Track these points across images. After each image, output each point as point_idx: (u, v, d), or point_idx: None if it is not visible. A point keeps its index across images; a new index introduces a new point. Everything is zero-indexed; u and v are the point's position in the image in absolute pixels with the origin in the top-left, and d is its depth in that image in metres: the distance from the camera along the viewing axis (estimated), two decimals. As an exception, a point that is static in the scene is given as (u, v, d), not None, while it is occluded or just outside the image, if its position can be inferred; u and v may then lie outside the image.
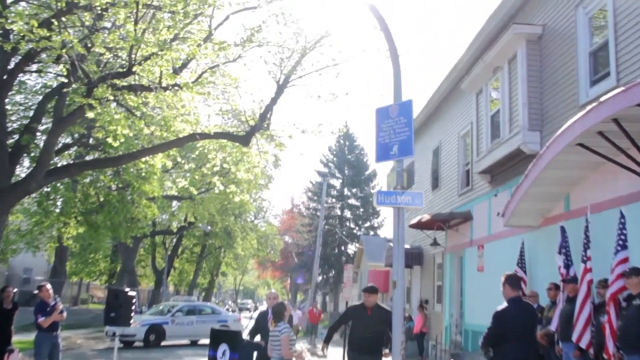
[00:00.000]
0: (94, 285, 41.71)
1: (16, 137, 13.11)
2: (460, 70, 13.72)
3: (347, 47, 27.78)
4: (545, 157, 7.40)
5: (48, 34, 8.75)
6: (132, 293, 9.29)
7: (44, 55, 11.34)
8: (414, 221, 14.75)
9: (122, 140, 11.35)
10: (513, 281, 5.55)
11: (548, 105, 9.48)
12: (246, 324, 18.51)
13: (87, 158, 16.45)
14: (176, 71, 10.55)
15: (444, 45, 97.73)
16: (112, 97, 10.57)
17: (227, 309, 34.75)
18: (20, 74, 12.82)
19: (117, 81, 10.18)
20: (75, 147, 16.47)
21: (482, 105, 12.02)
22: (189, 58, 10.86)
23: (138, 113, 12.40)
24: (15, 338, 8.64)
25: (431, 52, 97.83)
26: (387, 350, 6.43)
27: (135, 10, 9.29)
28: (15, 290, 8.85)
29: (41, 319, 8.24)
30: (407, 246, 16.87)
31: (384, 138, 6.29)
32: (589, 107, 6.19)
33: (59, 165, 14.70)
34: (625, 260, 6.05)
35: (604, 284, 6.50)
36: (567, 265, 7.53)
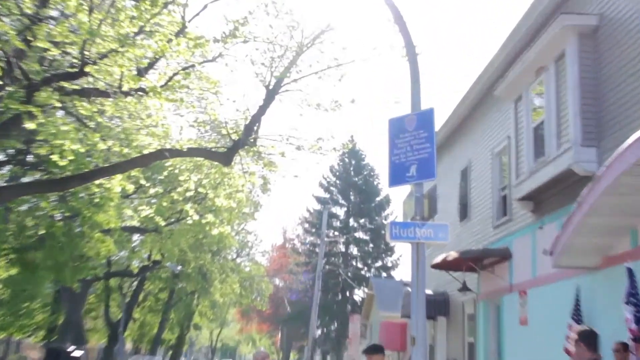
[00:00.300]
0: (27, 344, 41.16)
1: None
2: (493, 72, 13.81)
3: (353, 44, 28.19)
4: (605, 179, 7.35)
5: (-22, 25, 8.78)
6: (77, 353, 9.16)
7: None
8: (437, 260, 14.66)
9: (71, 157, 11.31)
10: (590, 339, 5.46)
11: (607, 114, 9.48)
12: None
13: (25, 180, 16.39)
14: (141, 72, 10.60)
15: (473, 43, 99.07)
16: (58, 104, 10.58)
17: (201, 372, 34.36)
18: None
19: (65, 84, 10.19)
20: (10, 166, 16.43)
21: (522, 116, 12.05)
22: (157, 56, 10.92)
23: (92, 124, 12.39)
24: None
25: (457, 51, 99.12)
26: None
27: (89, -4, 9.36)
28: None
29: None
30: (429, 292, 16.71)
31: (399, 156, 6.29)
32: (660, 117, 6.16)
33: (-12, 188, 14.63)
34: None
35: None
36: (638, 320, 7.39)
